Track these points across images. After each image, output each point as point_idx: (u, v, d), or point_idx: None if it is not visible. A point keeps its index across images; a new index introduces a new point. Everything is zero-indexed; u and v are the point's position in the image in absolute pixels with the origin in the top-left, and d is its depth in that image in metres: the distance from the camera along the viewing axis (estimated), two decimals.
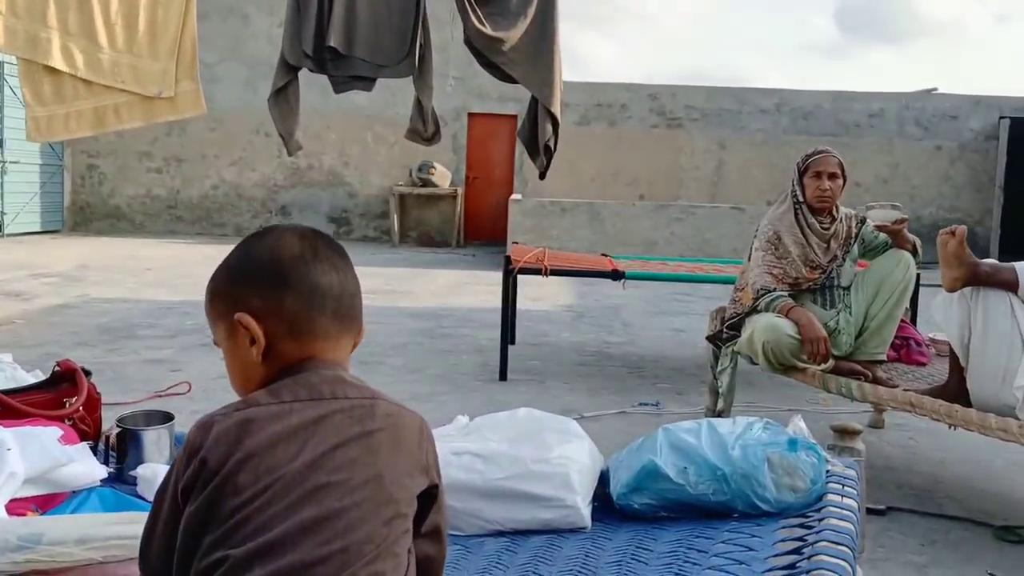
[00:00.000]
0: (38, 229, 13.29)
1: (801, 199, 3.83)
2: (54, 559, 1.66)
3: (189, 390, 4.83)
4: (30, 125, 4.41)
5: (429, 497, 1.15)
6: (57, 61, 4.36)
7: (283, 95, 4.51)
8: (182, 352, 5.74)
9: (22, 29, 4.32)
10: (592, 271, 5.67)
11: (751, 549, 1.83)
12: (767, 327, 3.69)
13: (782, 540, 1.84)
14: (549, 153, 4.63)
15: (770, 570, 1.71)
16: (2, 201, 12.19)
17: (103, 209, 14.57)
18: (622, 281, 5.40)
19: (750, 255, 3.98)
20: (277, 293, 1.14)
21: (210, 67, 12.80)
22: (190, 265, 10.15)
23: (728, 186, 14.40)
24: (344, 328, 1.19)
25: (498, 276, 5.48)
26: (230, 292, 1.18)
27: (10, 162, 12.24)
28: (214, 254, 11.73)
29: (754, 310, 3.86)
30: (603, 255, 6.49)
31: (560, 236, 11.42)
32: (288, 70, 4.51)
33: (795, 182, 3.86)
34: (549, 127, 4.52)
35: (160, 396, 4.73)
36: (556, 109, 4.54)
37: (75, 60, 4.39)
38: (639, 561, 1.84)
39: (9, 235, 12.40)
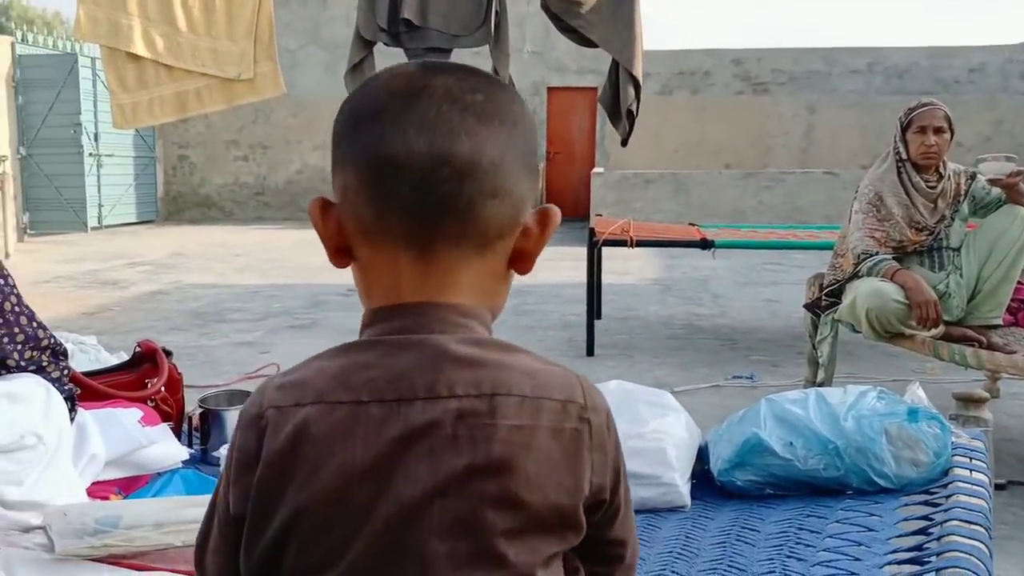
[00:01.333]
0: (134, 220, 13.69)
1: (904, 156, 3.59)
2: (131, 543, 1.62)
3: (277, 371, 4.86)
4: (115, 112, 4.45)
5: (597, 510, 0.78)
6: (139, 47, 4.38)
7: (359, 71, 4.45)
8: (271, 334, 5.80)
9: (104, 17, 4.35)
10: (680, 241, 5.48)
11: (871, 529, 1.69)
12: (871, 292, 3.49)
13: (905, 519, 1.69)
14: (632, 118, 4.45)
15: (894, 551, 1.56)
16: (99, 193, 12.58)
17: (194, 198, 14.92)
18: (712, 250, 5.21)
19: (850, 218, 3.77)
20: (337, 165, 0.77)
21: (291, 53, 12.92)
22: (278, 250, 10.30)
23: (819, 151, 13.87)
24: (441, 237, 0.72)
25: (582, 251, 5.35)
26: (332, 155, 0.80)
27: (105, 155, 12.61)
28: (301, 238, 11.96)
29: (856, 275, 3.67)
30: (691, 224, 6.29)
31: (644, 209, 11.18)
32: (364, 45, 4.44)
33: (897, 138, 3.62)
34: (631, 91, 4.35)
35: (249, 378, 4.78)
36: (638, 72, 4.35)
37: (156, 45, 4.41)
38: (745, 542, 1.71)
39: (107, 226, 12.79)
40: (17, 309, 1.80)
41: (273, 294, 7.34)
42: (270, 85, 4.54)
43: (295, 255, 9.83)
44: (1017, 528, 2.69)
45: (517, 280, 0.85)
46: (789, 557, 1.64)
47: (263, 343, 5.56)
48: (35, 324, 1.84)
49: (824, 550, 1.65)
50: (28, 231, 11.75)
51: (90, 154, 12.26)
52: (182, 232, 12.74)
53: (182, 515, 1.72)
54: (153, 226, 13.87)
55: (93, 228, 12.45)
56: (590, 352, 5.04)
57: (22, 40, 11.78)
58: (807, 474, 1.89)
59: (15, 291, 1.81)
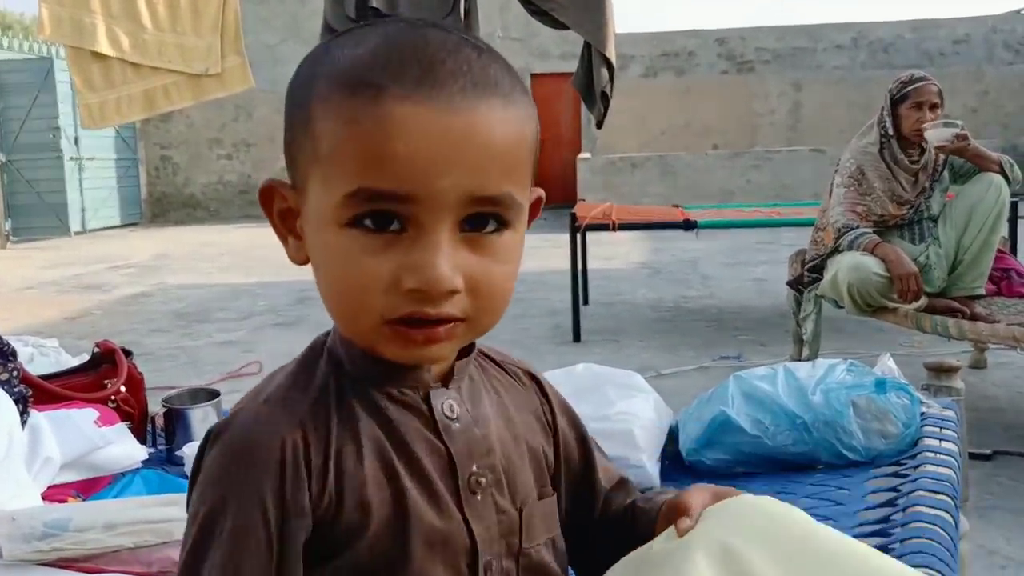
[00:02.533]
0: (118, 223, 13.59)
1: (892, 132, 3.54)
2: (82, 545, 1.57)
3: (259, 370, 4.82)
4: (82, 112, 4.39)
5: None
6: (104, 46, 4.32)
7: None
8: (254, 333, 5.76)
9: (67, 16, 4.29)
10: (662, 223, 5.44)
11: (839, 503, 1.65)
12: (852, 266, 3.46)
13: (873, 491, 1.65)
14: (606, 100, 4.39)
15: (860, 524, 1.52)
16: (82, 197, 12.48)
17: (179, 199, 14.81)
18: (695, 231, 5.17)
19: (830, 192, 3.74)
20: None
21: (271, 48, 12.81)
22: (263, 248, 10.18)
23: (806, 129, 13.80)
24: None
25: (563, 238, 5.31)
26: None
27: (86, 159, 12.51)
28: None
29: (836, 250, 3.64)
30: (675, 206, 6.24)
31: (632, 193, 11.12)
32: (332, 35, 4.38)
33: (886, 112, 3.57)
34: (605, 72, 4.29)
35: (231, 377, 4.73)
36: (611, 53, 4.29)
37: (121, 43, 4.35)
38: None
39: (91, 230, 12.70)
40: None
41: (258, 292, 7.28)
42: (238, 79, 4.47)
43: (280, 253, 9.66)
44: (1003, 498, 2.66)
45: None
46: None
47: (247, 342, 5.51)
48: None
49: None
50: (11, 238, 11.66)
51: (71, 158, 12.17)
52: (167, 234, 12.66)
53: (136, 515, 1.68)
54: (138, 229, 13.78)
55: (77, 233, 12.36)
56: (576, 338, 5.00)
57: None
58: (776, 450, 1.84)
59: None
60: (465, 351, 0.78)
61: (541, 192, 0.78)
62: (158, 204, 14.78)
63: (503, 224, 0.68)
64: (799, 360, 3.97)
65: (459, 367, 0.77)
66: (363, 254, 0.65)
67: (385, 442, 0.70)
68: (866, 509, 1.59)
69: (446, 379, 0.76)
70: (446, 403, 0.74)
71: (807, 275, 3.93)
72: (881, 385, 1.83)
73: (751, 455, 1.86)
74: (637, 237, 9.12)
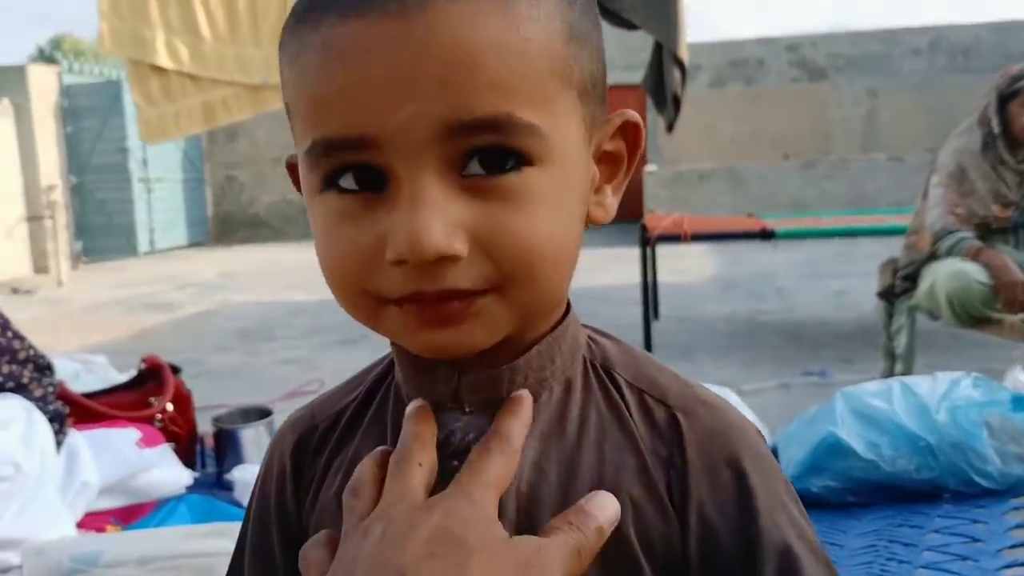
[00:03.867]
0: (184, 243, 13.75)
1: (997, 130, 3.28)
2: None
3: (321, 388, 4.72)
4: (142, 127, 4.36)
5: None
6: (163, 59, 4.27)
7: None
8: (317, 350, 5.68)
9: (127, 30, 4.26)
10: (738, 233, 5.19)
11: (976, 540, 1.42)
12: (952, 274, 3.21)
13: (1017, 526, 1.41)
14: (677, 103, 4.19)
15: (1008, 566, 1.29)
16: (150, 218, 12.65)
17: (244, 218, 14.94)
18: (773, 241, 4.92)
19: (926, 193, 3.47)
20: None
21: None
22: None
23: (882, 137, 13.32)
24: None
25: (633, 252, 5.11)
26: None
27: (154, 180, 12.69)
28: None
29: (933, 256, 3.38)
30: (749, 215, 5.98)
31: (701, 205, 10.81)
32: None
33: (992, 109, 3.31)
34: (677, 74, 4.09)
35: (293, 395, 4.64)
36: (683, 54, 4.10)
37: (180, 56, 4.30)
38: None
39: (158, 250, 12.86)
40: None
41: (321, 310, 7.21)
42: None
43: None
44: None
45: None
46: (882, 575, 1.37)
47: (309, 359, 5.43)
48: (10, 334, 1.65)
49: (923, 567, 1.39)
50: (82, 258, 11.87)
51: (139, 179, 12.35)
52: (232, 253, 12.76)
53: (176, 548, 1.52)
54: (204, 248, 13.92)
55: (145, 253, 12.53)
56: None
57: (69, 70, 11.92)
58: (895, 477, 1.62)
59: None
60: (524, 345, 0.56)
61: (631, 114, 0.58)
62: (223, 223, 14.93)
63: (522, 160, 0.50)
64: (891, 376, 3.71)
65: (504, 374, 0.55)
66: (344, 223, 0.51)
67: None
68: (1011, 547, 1.36)
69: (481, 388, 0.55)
70: (457, 425, 0.56)
71: (899, 284, 3.69)
72: (1019, 402, 1.58)
73: (865, 482, 1.64)
74: (707, 250, 8.86)
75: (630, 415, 0.57)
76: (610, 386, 0.58)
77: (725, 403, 0.59)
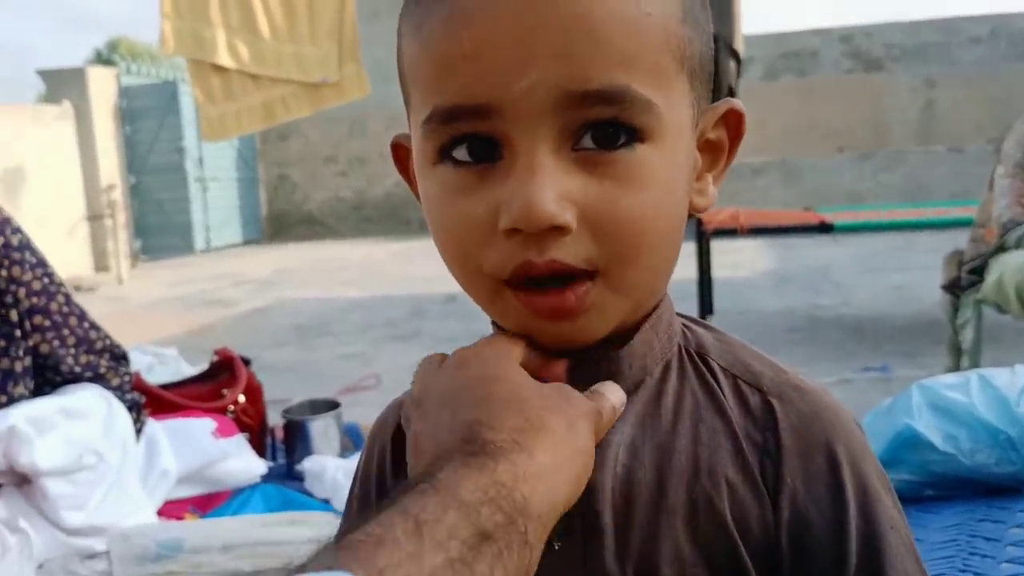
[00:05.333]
0: (239, 241, 13.95)
1: None
2: (197, 569, 1.44)
3: (377, 383, 4.76)
4: (203, 125, 4.43)
5: None
6: (224, 58, 4.34)
7: None
8: (372, 346, 5.73)
9: (188, 30, 4.33)
10: (795, 226, 5.13)
11: None
12: (1021, 266, 3.12)
13: None
14: (732, 95, 4.14)
15: None
16: (205, 216, 12.86)
17: (297, 216, 15.11)
18: (832, 235, 4.85)
19: (991, 184, 3.40)
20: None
21: (382, 64, 12.90)
22: (379, 262, 10.28)
23: (940, 128, 13.02)
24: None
25: (689, 247, 5.06)
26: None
27: (210, 179, 12.89)
28: (401, 250, 11.96)
29: (1001, 248, 3.30)
30: (806, 209, 5.89)
31: (755, 199, 10.65)
32: None
33: None
34: (732, 65, 4.05)
35: (351, 391, 4.68)
36: (739, 45, 4.06)
37: (240, 55, 4.36)
38: None
39: (214, 248, 13.07)
40: (66, 309, 1.66)
41: (375, 306, 7.28)
42: (356, 87, 4.43)
43: (395, 266, 9.80)
44: None
45: None
46: (964, 572, 1.35)
47: (365, 355, 5.48)
48: (87, 324, 1.69)
49: (1007, 561, 1.36)
50: (141, 256, 12.10)
51: (195, 179, 12.55)
52: (286, 250, 12.91)
53: (256, 536, 1.55)
54: (258, 246, 14.11)
55: (201, 251, 12.73)
56: None
57: (127, 71, 12.16)
58: (975, 471, 1.58)
59: (62, 289, 1.67)
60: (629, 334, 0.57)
61: (736, 104, 0.58)
62: (277, 221, 15.12)
63: (635, 136, 0.50)
64: (956, 371, 3.64)
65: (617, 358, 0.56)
66: (457, 194, 0.51)
67: None
68: None
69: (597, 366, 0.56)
70: None
71: (966, 277, 3.60)
72: None
73: (943, 476, 1.61)
74: (762, 244, 8.75)
75: (725, 400, 0.57)
76: (705, 372, 0.58)
77: (821, 389, 0.58)
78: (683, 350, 0.59)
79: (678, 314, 0.61)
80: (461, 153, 0.51)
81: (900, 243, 8.22)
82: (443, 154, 0.52)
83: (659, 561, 0.53)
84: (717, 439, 0.56)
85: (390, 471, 0.64)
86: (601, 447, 0.53)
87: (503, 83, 0.48)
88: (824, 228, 4.79)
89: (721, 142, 0.59)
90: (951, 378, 1.73)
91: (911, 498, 1.63)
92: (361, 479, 0.67)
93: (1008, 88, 11.59)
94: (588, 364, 0.55)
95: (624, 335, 0.56)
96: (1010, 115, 3.39)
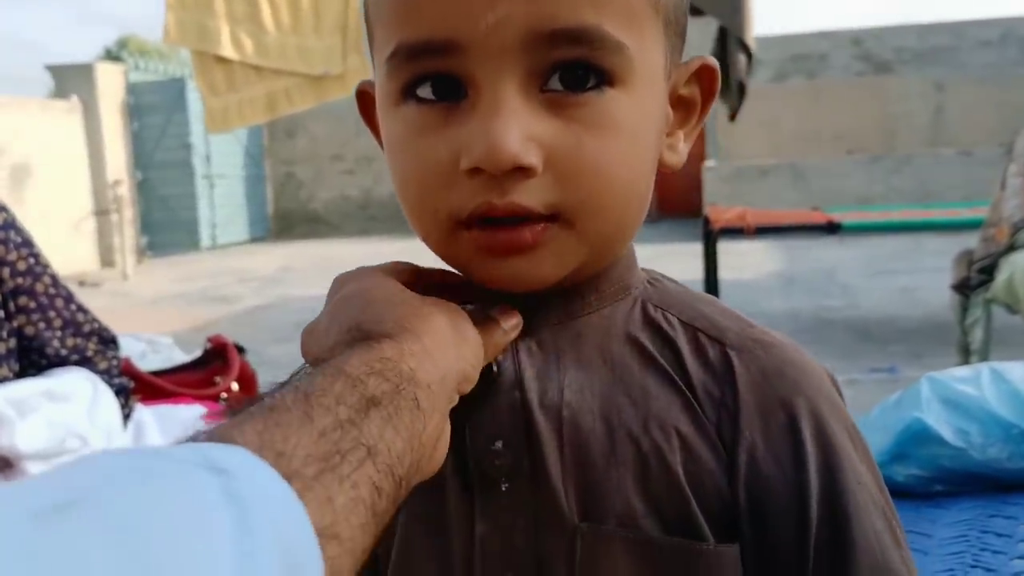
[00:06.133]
0: (246, 238, 13.96)
1: None
2: None
3: None
4: (207, 117, 4.41)
5: None
6: (227, 49, 4.32)
7: None
8: None
9: (191, 21, 4.31)
10: (803, 226, 5.07)
11: None
12: None
13: None
14: (742, 90, 4.10)
15: None
16: (212, 213, 12.87)
17: (303, 214, 15.13)
18: (838, 236, 4.80)
19: (1003, 184, 3.35)
20: None
21: None
22: (383, 260, 10.20)
23: (950, 131, 12.96)
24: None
25: (695, 248, 5.02)
26: None
27: (217, 176, 12.90)
28: (406, 248, 11.86)
29: (1012, 248, 3.25)
30: (814, 209, 5.84)
31: (763, 201, 10.57)
32: None
33: None
34: (743, 59, 4.00)
35: None
36: (750, 39, 4.00)
37: (244, 46, 4.34)
38: (915, 550, 1.36)
39: (220, 245, 13.07)
40: (52, 291, 1.61)
41: None
42: (360, 79, 4.40)
43: None
44: None
45: None
46: (974, 567, 1.31)
47: None
48: (74, 307, 1.64)
49: (1019, 557, 1.32)
50: (147, 253, 12.11)
51: (202, 176, 12.56)
52: (291, 248, 12.91)
53: None
54: (264, 243, 14.12)
55: (207, 247, 12.74)
56: None
57: (135, 68, 12.17)
58: (986, 466, 1.53)
59: (48, 270, 1.62)
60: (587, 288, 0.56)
61: (709, 60, 0.56)
62: (283, 219, 15.14)
63: (604, 79, 0.48)
64: None
65: (556, 305, 0.55)
66: (418, 135, 0.50)
67: None
68: None
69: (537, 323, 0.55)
70: (520, 349, 0.55)
71: (975, 277, 3.56)
72: None
73: (953, 471, 1.56)
74: (769, 245, 8.71)
75: (680, 352, 0.54)
76: (663, 325, 0.56)
77: (790, 344, 0.55)
78: (641, 303, 0.57)
79: (646, 270, 0.60)
80: (425, 92, 0.49)
81: (907, 245, 8.18)
82: (406, 93, 0.50)
83: (608, 512, 0.51)
84: (668, 392, 0.53)
85: None
86: (544, 386, 0.53)
87: (469, 19, 0.46)
88: (832, 228, 4.74)
89: (694, 99, 0.57)
90: (962, 371, 1.68)
91: (920, 493, 1.58)
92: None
93: (1018, 92, 11.53)
94: (522, 310, 0.54)
95: (566, 288, 0.55)
96: (1020, 119, 3.35)
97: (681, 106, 0.56)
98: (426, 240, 0.54)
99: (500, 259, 0.50)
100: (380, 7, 0.51)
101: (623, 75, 0.48)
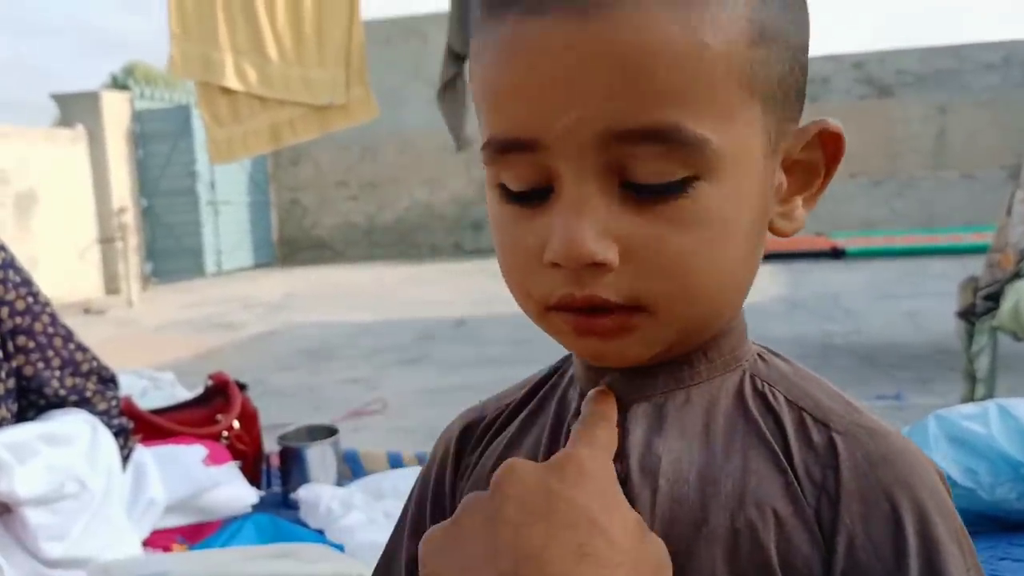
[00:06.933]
0: (250, 264, 13.98)
1: None
2: None
3: (383, 408, 4.71)
4: (211, 148, 4.42)
5: None
6: (231, 80, 4.34)
7: (451, 89, 4.27)
8: (379, 370, 5.68)
9: (196, 53, 4.34)
10: (807, 252, 5.07)
11: None
12: None
13: None
14: None
15: None
16: (217, 240, 12.89)
17: (307, 240, 15.15)
18: (843, 261, 4.79)
19: (1009, 209, 3.34)
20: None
21: (395, 91, 12.98)
22: (388, 286, 10.27)
23: (953, 154, 12.95)
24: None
25: None
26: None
27: (222, 203, 12.93)
28: (411, 274, 11.94)
29: (1018, 275, 3.23)
30: (818, 234, 5.84)
31: None
32: (455, 60, 4.26)
33: None
34: None
35: (356, 415, 4.64)
36: None
37: (248, 77, 4.36)
38: None
39: (225, 271, 13.09)
40: (51, 330, 1.60)
41: (382, 330, 7.24)
42: (363, 110, 4.42)
43: (404, 291, 9.79)
44: None
45: None
46: None
47: (371, 379, 5.43)
48: (72, 345, 1.64)
49: None
50: (152, 279, 12.12)
51: (207, 202, 12.60)
52: (296, 274, 12.93)
53: (241, 569, 1.49)
54: (269, 269, 14.14)
55: (212, 274, 12.75)
56: None
57: (140, 96, 12.24)
58: (995, 506, 1.52)
59: (47, 309, 1.61)
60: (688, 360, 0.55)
61: (830, 125, 0.54)
62: (288, 245, 15.16)
63: (688, 173, 0.48)
64: (971, 400, 3.56)
65: (665, 380, 0.55)
66: (513, 223, 0.52)
67: (541, 446, 0.59)
68: None
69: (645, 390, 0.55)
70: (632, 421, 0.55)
71: (981, 304, 3.54)
72: None
73: (963, 511, 1.52)
74: (773, 269, 8.68)
75: (785, 433, 0.53)
76: (769, 401, 0.55)
77: (896, 433, 0.54)
78: (749, 376, 0.56)
79: (757, 344, 0.59)
80: (516, 183, 0.51)
81: (911, 269, 8.15)
82: (501, 180, 0.52)
83: None
84: (769, 470, 0.52)
85: (449, 478, 0.65)
86: (644, 452, 0.53)
87: (547, 119, 0.47)
88: (836, 254, 4.74)
89: (814, 163, 0.55)
90: (969, 408, 1.67)
91: None
92: (420, 481, 0.68)
93: (1021, 115, 11.52)
94: (632, 376, 0.55)
95: (676, 357, 0.55)
96: (1023, 142, 3.34)
97: (799, 170, 0.55)
98: (526, 314, 0.56)
99: (587, 339, 0.51)
100: (478, 95, 0.53)
101: (708, 167, 0.48)
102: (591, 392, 0.55)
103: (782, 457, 0.52)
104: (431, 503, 0.65)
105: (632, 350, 0.52)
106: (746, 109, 0.49)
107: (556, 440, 0.58)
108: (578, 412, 0.55)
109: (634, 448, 0.53)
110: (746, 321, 0.58)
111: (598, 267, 0.48)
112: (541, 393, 0.63)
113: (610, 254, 0.48)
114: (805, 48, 0.53)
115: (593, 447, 0.51)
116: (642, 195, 0.48)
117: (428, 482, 0.66)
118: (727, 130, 0.48)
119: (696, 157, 0.47)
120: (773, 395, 0.55)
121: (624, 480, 0.52)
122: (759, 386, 0.56)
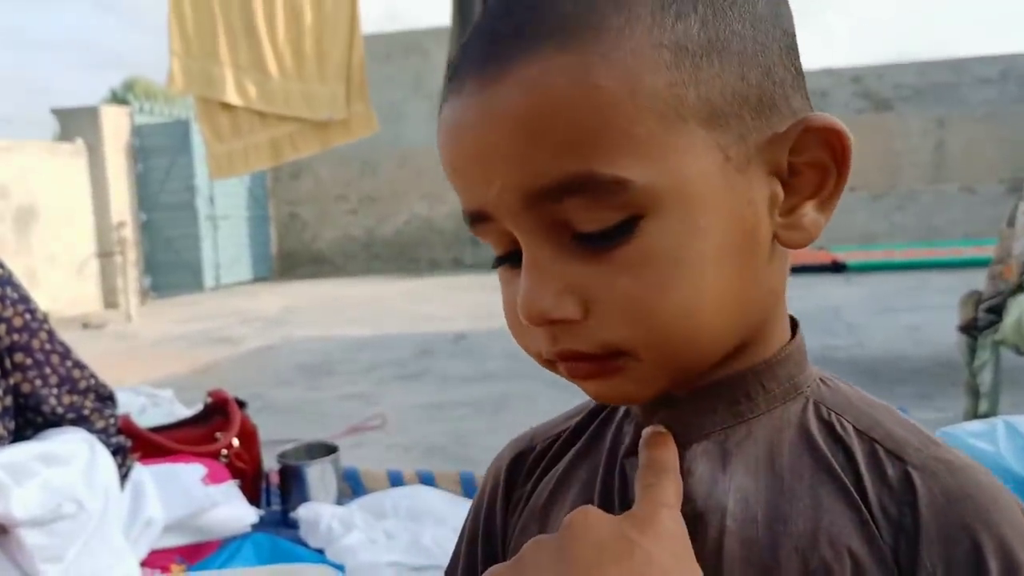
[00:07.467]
0: (249, 278, 13.97)
1: None
2: None
3: (383, 423, 4.68)
4: (211, 163, 4.41)
5: None
6: (232, 96, 4.34)
7: None
8: (378, 385, 5.65)
9: (196, 68, 4.33)
10: (808, 266, 5.06)
11: None
12: None
13: None
14: None
15: None
16: (216, 254, 12.88)
17: (307, 254, 15.15)
18: (844, 275, 4.78)
19: (1011, 220, 3.33)
20: None
21: (395, 106, 13.03)
22: (387, 300, 10.24)
23: (952, 167, 12.98)
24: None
25: None
26: None
27: (221, 217, 12.93)
28: (410, 289, 11.93)
29: (1020, 287, 3.21)
30: (819, 249, 5.83)
31: None
32: None
33: None
34: None
35: (355, 430, 4.61)
36: None
37: (248, 93, 4.35)
38: None
39: (224, 286, 13.07)
40: (48, 347, 1.59)
41: (381, 345, 7.22)
42: (363, 125, 4.41)
43: (404, 305, 9.77)
44: None
45: None
46: None
47: (371, 395, 5.40)
48: (70, 363, 1.62)
49: None
50: (151, 294, 12.11)
51: (206, 216, 12.59)
52: (295, 288, 12.91)
53: None
54: (268, 283, 14.12)
55: (211, 288, 12.73)
56: None
57: (140, 110, 12.26)
58: None
59: (45, 326, 1.60)
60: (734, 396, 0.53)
61: (815, 120, 0.49)
62: (287, 259, 15.15)
63: (630, 218, 0.46)
64: (974, 414, 3.55)
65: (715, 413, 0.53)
66: (506, 284, 0.54)
67: (597, 480, 0.57)
68: None
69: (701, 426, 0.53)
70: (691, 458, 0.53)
71: (983, 317, 3.52)
72: None
73: None
74: None
75: (857, 466, 0.51)
76: (838, 431, 0.52)
77: (975, 465, 0.51)
78: (813, 404, 0.54)
79: (818, 368, 0.57)
80: (496, 248, 0.52)
81: (912, 282, 8.13)
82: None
83: None
84: (842, 507, 0.50)
85: (500, 509, 0.64)
86: (709, 491, 0.51)
87: (480, 191, 0.48)
88: (837, 268, 4.73)
89: (819, 164, 0.50)
90: (976, 425, 1.65)
91: None
92: (472, 513, 0.67)
93: (1019, 129, 11.54)
94: (688, 410, 0.54)
95: (735, 374, 0.53)
96: (1021, 155, 3.33)
97: (804, 174, 0.51)
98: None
99: (585, 383, 0.51)
100: None
101: (646, 205, 0.45)
102: (647, 433, 0.53)
103: (854, 493, 0.50)
104: (482, 539, 0.65)
105: (628, 389, 0.50)
106: (678, 135, 0.46)
107: (610, 473, 0.56)
108: (634, 448, 0.54)
109: (698, 489, 0.51)
110: (805, 343, 0.56)
111: (565, 322, 0.48)
112: (595, 424, 0.62)
113: (569, 310, 0.47)
114: (767, 49, 0.49)
115: (670, 506, 0.49)
116: (595, 244, 0.47)
117: (479, 517, 0.66)
118: (653, 164, 0.45)
119: (624, 198, 0.45)
120: (841, 424, 0.52)
121: (691, 522, 0.50)
122: (824, 414, 0.53)
